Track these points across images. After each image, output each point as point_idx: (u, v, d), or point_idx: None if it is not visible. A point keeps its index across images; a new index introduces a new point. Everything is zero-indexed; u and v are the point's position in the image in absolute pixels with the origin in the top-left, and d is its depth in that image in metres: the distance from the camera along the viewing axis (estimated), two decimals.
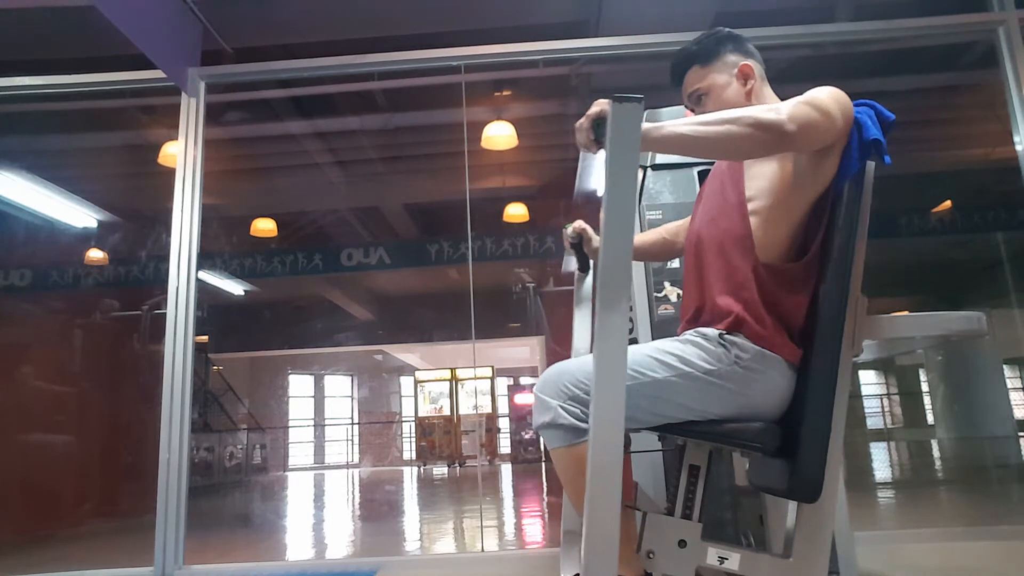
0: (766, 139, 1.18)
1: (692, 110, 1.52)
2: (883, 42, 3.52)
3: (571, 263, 1.89)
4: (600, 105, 1.15)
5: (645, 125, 1.12)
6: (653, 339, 2.08)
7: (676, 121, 1.18)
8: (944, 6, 3.25)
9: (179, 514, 2.82)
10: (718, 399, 1.27)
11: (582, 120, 1.18)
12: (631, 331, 2.24)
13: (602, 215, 1.08)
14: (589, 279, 1.82)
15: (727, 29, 1.52)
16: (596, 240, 1.74)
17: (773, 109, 1.19)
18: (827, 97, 1.24)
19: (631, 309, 2.23)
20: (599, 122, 1.15)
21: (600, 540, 1.05)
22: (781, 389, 1.27)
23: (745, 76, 1.47)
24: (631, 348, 1.37)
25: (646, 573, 1.28)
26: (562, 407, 1.26)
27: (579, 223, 1.77)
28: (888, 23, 3.23)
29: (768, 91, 1.50)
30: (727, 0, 3.52)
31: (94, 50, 3.50)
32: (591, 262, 1.81)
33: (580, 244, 1.77)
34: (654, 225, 2.21)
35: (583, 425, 1.26)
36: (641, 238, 1.78)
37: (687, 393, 1.27)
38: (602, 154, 1.14)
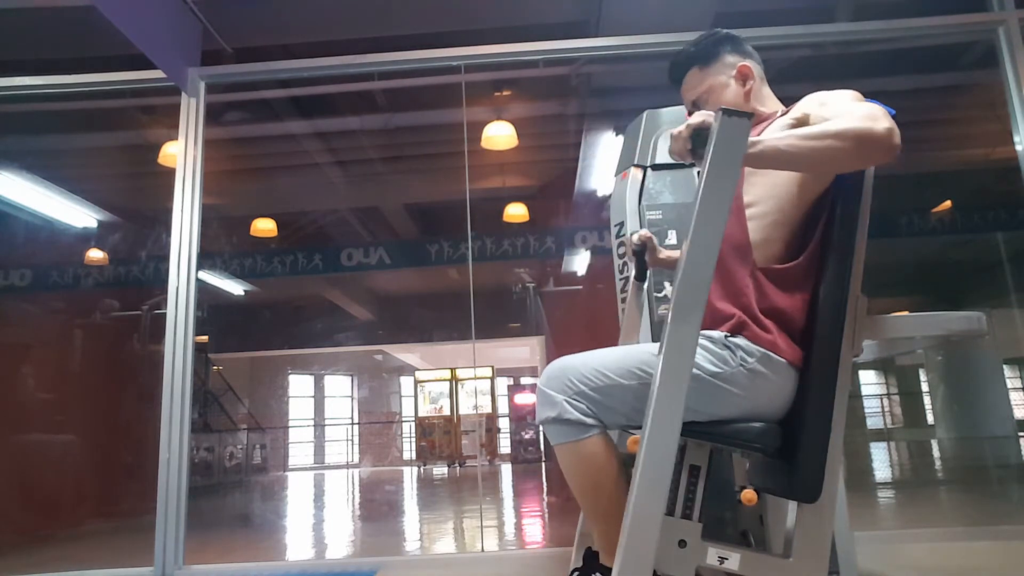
0: (874, 153, 1.14)
1: (691, 112, 1.51)
2: (883, 42, 3.52)
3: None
4: (703, 116, 1.15)
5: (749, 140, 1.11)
6: (653, 339, 2.08)
7: (774, 136, 1.16)
8: (944, 6, 3.25)
9: (179, 514, 2.82)
10: (723, 401, 1.27)
11: (681, 128, 1.17)
12: None
13: (692, 225, 1.08)
14: (644, 288, 1.83)
15: (725, 30, 1.52)
16: (661, 251, 1.76)
17: (871, 117, 1.15)
18: (855, 100, 1.25)
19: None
20: (699, 132, 1.14)
21: (637, 551, 1.06)
22: (785, 390, 1.27)
23: (744, 77, 1.47)
24: (642, 346, 1.37)
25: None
26: (568, 402, 1.26)
27: (645, 232, 1.77)
28: (888, 23, 3.23)
29: (767, 91, 1.51)
30: (727, 0, 3.52)
31: (94, 50, 3.50)
32: (648, 272, 1.81)
33: (643, 253, 1.77)
34: (654, 225, 2.22)
35: (589, 421, 1.26)
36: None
37: (692, 395, 1.26)
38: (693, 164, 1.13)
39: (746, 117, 1.06)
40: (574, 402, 1.26)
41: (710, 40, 1.50)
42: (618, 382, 1.26)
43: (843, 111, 1.20)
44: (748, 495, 1.49)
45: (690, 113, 1.52)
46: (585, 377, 1.27)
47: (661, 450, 1.06)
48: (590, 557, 1.43)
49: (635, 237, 1.76)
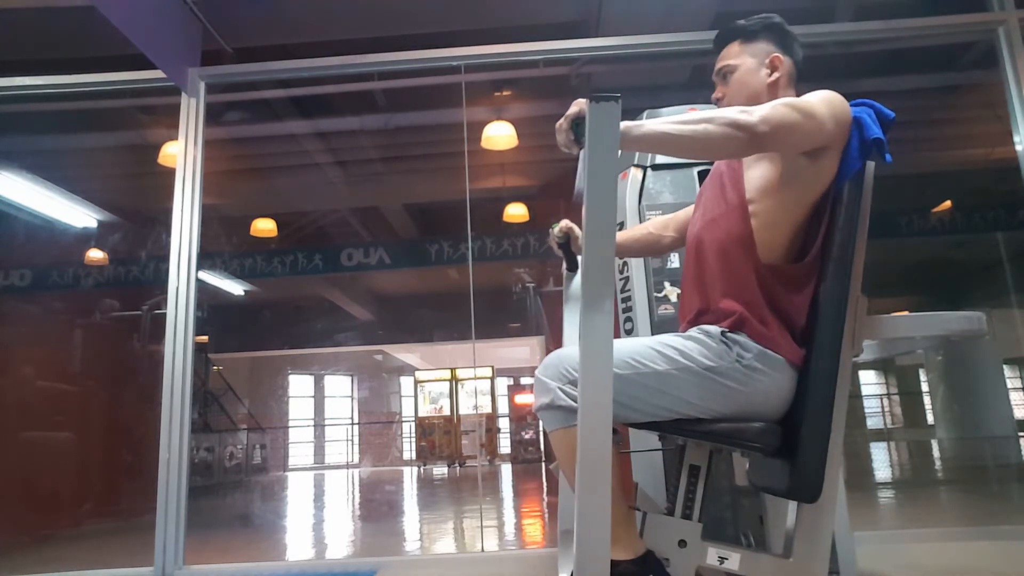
0: (739, 139, 1.19)
1: (716, 86, 1.54)
2: (883, 42, 3.52)
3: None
4: (578, 105, 1.16)
5: (624, 124, 1.13)
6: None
7: (654, 120, 1.20)
8: (944, 6, 3.25)
9: (179, 514, 2.82)
10: (718, 396, 1.27)
11: (561, 121, 1.19)
12: (632, 330, 2.24)
13: (584, 214, 1.09)
14: (578, 278, 1.82)
15: (780, 19, 1.52)
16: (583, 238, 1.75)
17: (747, 111, 1.21)
18: (817, 100, 1.27)
19: (631, 309, 2.23)
20: (578, 122, 1.16)
21: (592, 532, 1.07)
22: (782, 389, 1.27)
23: (773, 67, 1.47)
24: (634, 339, 1.38)
25: (646, 551, 1.28)
26: (561, 389, 1.27)
27: (565, 222, 1.78)
28: (888, 23, 3.23)
29: (791, 92, 1.50)
30: (727, 0, 3.51)
31: (94, 50, 3.50)
32: (579, 260, 1.81)
33: (567, 243, 1.77)
34: None
35: None
36: (626, 235, 1.79)
37: (687, 388, 1.27)
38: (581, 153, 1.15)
39: (614, 100, 1.07)
40: (567, 389, 1.27)
41: (761, 22, 1.51)
42: (612, 371, 1.27)
43: (759, 105, 1.25)
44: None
45: (715, 85, 1.54)
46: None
47: (598, 440, 1.07)
48: None
49: (556, 229, 1.77)
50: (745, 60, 1.48)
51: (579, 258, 1.80)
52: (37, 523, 4.42)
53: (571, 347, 1.34)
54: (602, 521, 1.06)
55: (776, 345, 1.26)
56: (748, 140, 1.20)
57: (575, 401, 1.27)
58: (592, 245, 1.09)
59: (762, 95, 1.43)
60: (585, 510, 1.07)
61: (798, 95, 1.38)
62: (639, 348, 1.30)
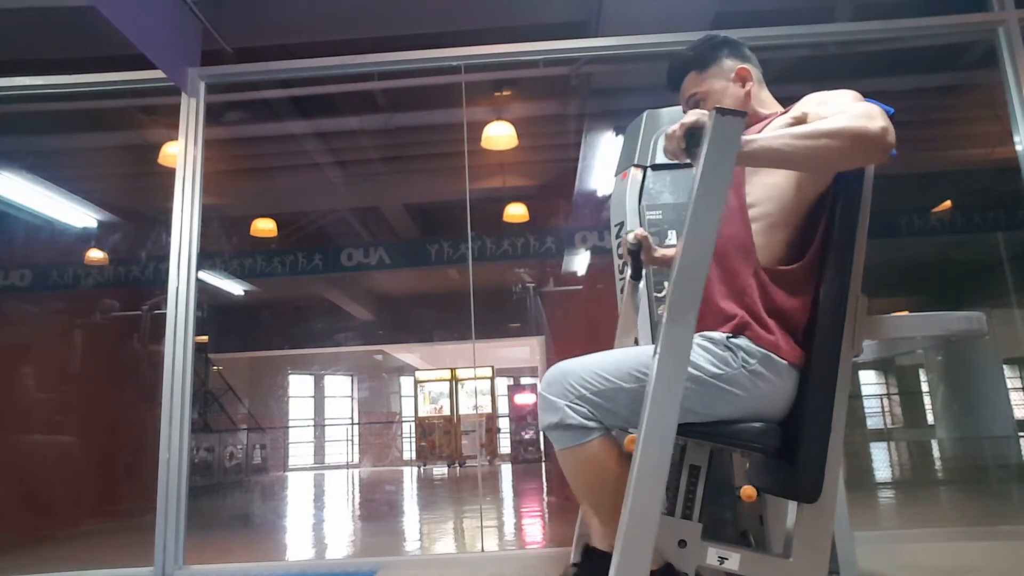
0: (868, 152, 1.15)
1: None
2: (883, 42, 3.51)
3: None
4: (696, 115, 1.15)
5: (744, 138, 1.11)
6: (653, 339, 2.08)
7: (768, 135, 1.16)
8: (944, 6, 3.25)
9: (179, 514, 2.82)
10: (724, 402, 1.27)
11: (675, 127, 1.17)
12: None
13: (687, 225, 1.08)
14: (641, 287, 1.82)
15: (723, 34, 1.53)
16: (656, 250, 1.75)
17: (869, 117, 1.15)
18: (859, 101, 1.24)
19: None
20: (693, 132, 1.14)
21: (634, 552, 1.05)
22: (786, 391, 1.27)
23: (743, 79, 1.49)
24: (641, 348, 1.37)
25: (666, 564, 1.28)
26: (569, 407, 1.26)
27: (641, 231, 1.77)
28: (888, 23, 3.23)
29: (766, 94, 1.51)
30: (727, 0, 3.52)
31: (94, 50, 3.50)
32: (644, 271, 1.81)
33: (638, 252, 1.76)
34: (654, 225, 2.22)
35: (591, 424, 1.27)
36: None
37: (694, 397, 1.26)
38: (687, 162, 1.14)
39: (740, 116, 1.07)
40: (575, 406, 1.26)
41: (707, 44, 1.51)
42: (618, 384, 1.27)
43: (839, 110, 1.21)
44: (748, 491, 1.49)
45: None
46: (585, 381, 1.28)
47: (658, 450, 1.06)
48: (588, 554, 1.43)
49: (631, 236, 1.76)
50: (710, 84, 1.49)
51: (644, 269, 1.81)
52: (37, 523, 4.42)
53: (573, 360, 1.33)
54: (648, 537, 1.05)
55: (779, 348, 1.26)
56: (881, 150, 1.14)
57: (585, 418, 1.26)
58: (689, 257, 1.07)
59: (745, 109, 1.45)
60: (633, 526, 1.05)
61: (797, 97, 1.38)
62: (644, 359, 1.29)
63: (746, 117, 1.08)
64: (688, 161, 1.18)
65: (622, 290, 2.27)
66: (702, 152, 1.08)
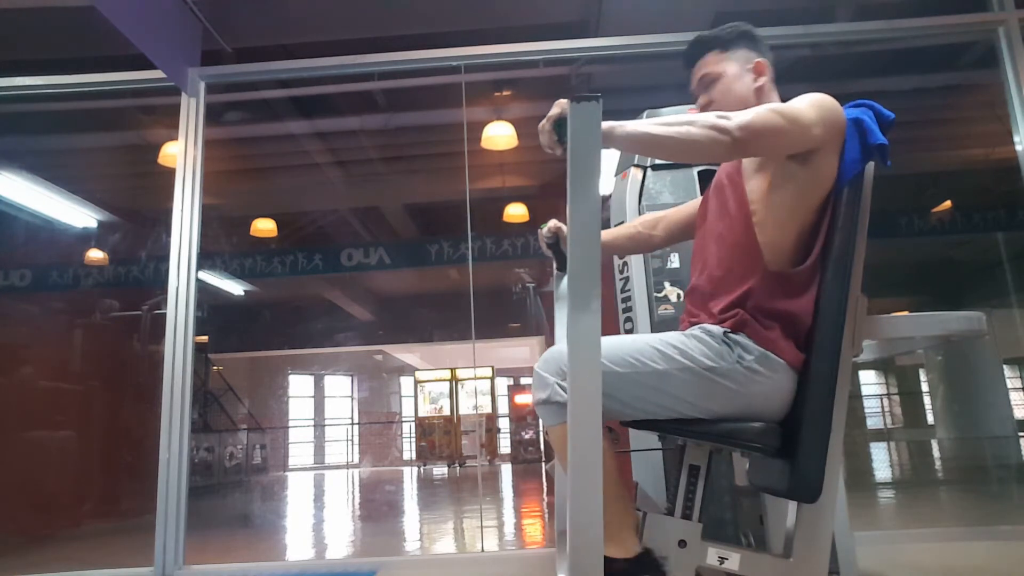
0: (720, 143, 1.19)
1: (697, 98, 1.52)
2: (883, 42, 3.51)
3: None
4: (559, 106, 1.17)
5: (606, 124, 1.13)
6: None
7: (638, 121, 1.20)
8: (944, 6, 3.25)
9: (179, 514, 2.82)
10: (718, 396, 1.27)
11: (543, 122, 1.19)
12: (632, 330, 2.24)
13: (567, 213, 1.09)
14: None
15: (748, 25, 1.52)
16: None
17: (726, 116, 1.20)
18: (805, 104, 1.26)
19: (631, 309, 2.23)
20: (560, 123, 1.16)
21: (584, 529, 1.06)
22: (783, 392, 1.27)
23: (758, 73, 1.48)
24: (635, 336, 1.37)
25: (644, 549, 1.28)
26: (559, 384, 1.27)
27: (554, 222, 1.77)
28: (888, 23, 3.23)
29: (775, 95, 1.50)
30: (727, 0, 3.52)
31: (94, 50, 3.50)
32: (634, 260, 1.81)
33: (557, 243, 1.76)
34: None
35: None
36: (615, 232, 1.78)
37: (686, 387, 1.27)
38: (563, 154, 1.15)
39: (595, 100, 1.07)
40: (564, 385, 1.27)
41: (734, 29, 1.51)
42: (612, 369, 1.27)
43: (740, 110, 1.24)
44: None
45: (695, 97, 1.53)
46: None
47: (587, 439, 1.07)
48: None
49: (545, 229, 1.76)
50: (727, 67, 1.48)
51: (632, 258, 1.81)
52: (37, 523, 4.42)
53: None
54: (594, 518, 1.06)
55: (778, 348, 1.26)
56: (729, 144, 1.19)
57: None
58: (577, 244, 1.08)
59: (750, 100, 1.43)
60: (577, 507, 1.06)
61: (792, 96, 1.38)
62: (640, 346, 1.30)
63: (600, 99, 1.08)
64: (561, 152, 1.18)
65: (623, 290, 2.28)
66: (568, 141, 1.09)
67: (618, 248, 1.81)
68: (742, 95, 1.45)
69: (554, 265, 1.86)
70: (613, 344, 1.32)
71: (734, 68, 1.47)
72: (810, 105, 1.26)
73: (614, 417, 1.34)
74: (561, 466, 1.36)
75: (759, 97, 1.45)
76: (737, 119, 1.19)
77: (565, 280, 1.78)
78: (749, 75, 1.47)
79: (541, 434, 11.56)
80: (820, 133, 1.25)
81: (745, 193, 1.38)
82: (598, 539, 1.06)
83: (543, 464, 11.10)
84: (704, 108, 1.49)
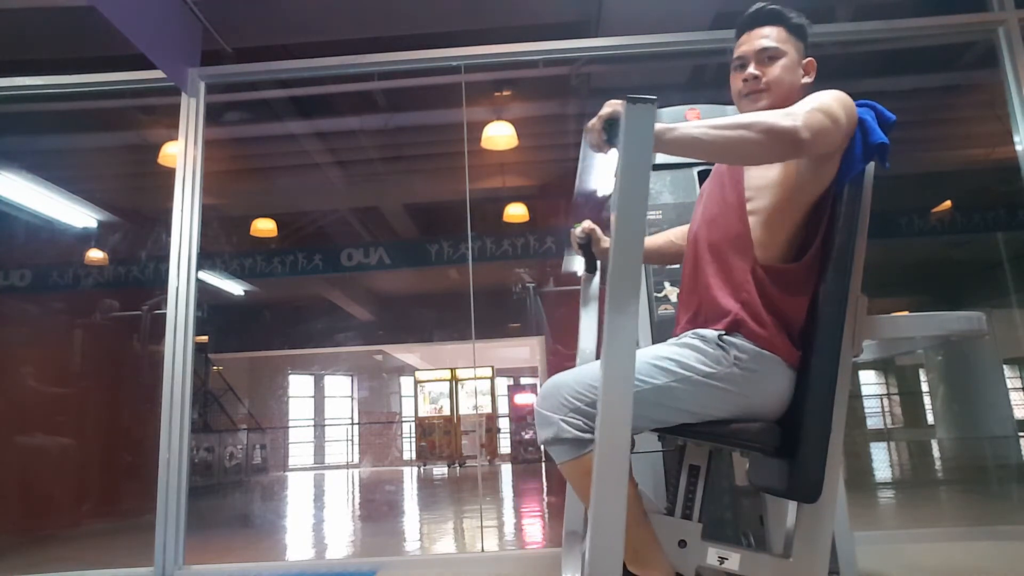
0: (781, 146, 1.16)
1: (748, 65, 1.44)
2: (883, 42, 3.52)
3: (573, 263, 1.88)
4: (612, 106, 1.14)
5: (658, 127, 1.11)
6: (653, 339, 2.08)
7: (689, 123, 1.16)
8: (944, 6, 3.25)
9: (179, 514, 2.82)
10: (718, 401, 1.27)
11: (594, 121, 1.17)
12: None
13: (613, 216, 1.09)
14: (596, 280, 1.80)
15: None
16: (604, 241, 1.72)
17: (789, 115, 1.17)
18: (835, 102, 1.24)
19: None
20: (611, 123, 1.14)
21: (605, 549, 1.04)
22: (781, 390, 1.27)
23: (809, 71, 1.46)
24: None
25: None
26: (564, 421, 1.25)
27: (588, 223, 1.75)
28: (888, 23, 3.23)
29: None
30: (727, 0, 3.52)
31: (94, 50, 3.50)
32: (598, 263, 1.80)
33: (588, 245, 1.74)
34: (654, 225, 2.21)
35: (587, 436, 1.25)
36: (649, 241, 1.76)
37: (687, 398, 1.26)
38: (610, 154, 1.14)
39: (651, 103, 1.06)
40: (570, 419, 1.25)
41: (801, 18, 1.46)
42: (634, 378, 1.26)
43: (794, 106, 1.22)
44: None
45: (741, 65, 1.46)
46: (578, 393, 1.26)
47: (615, 447, 1.05)
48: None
49: (578, 229, 1.74)
50: (790, 52, 1.43)
51: (599, 261, 1.79)
52: (37, 523, 4.42)
53: (566, 373, 1.33)
54: (616, 536, 1.04)
55: (773, 346, 1.26)
56: (791, 147, 1.16)
57: (580, 431, 1.25)
58: (621, 248, 1.08)
59: (794, 95, 1.40)
60: (600, 523, 1.04)
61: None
62: (638, 365, 1.27)
63: (656, 102, 1.07)
64: (608, 152, 1.18)
65: None
66: (620, 142, 1.08)
67: (652, 256, 1.79)
68: (791, 87, 1.42)
69: (581, 266, 1.83)
70: (635, 352, 1.31)
71: (794, 56, 1.44)
72: (840, 104, 1.24)
73: None
74: (581, 499, 1.35)
75: (801, 94, 1.40)
76: (800, 120, 1.16)
77: (594, 283, 1.78)
78: (800, 69, 1.45)
79: None
80: (847, 131, 1.25)
81: (743, 182, 1.38)
82: (619, 554, 1.05)
83: (543, 464, 11.09)
84: (748, 80, 1.42)
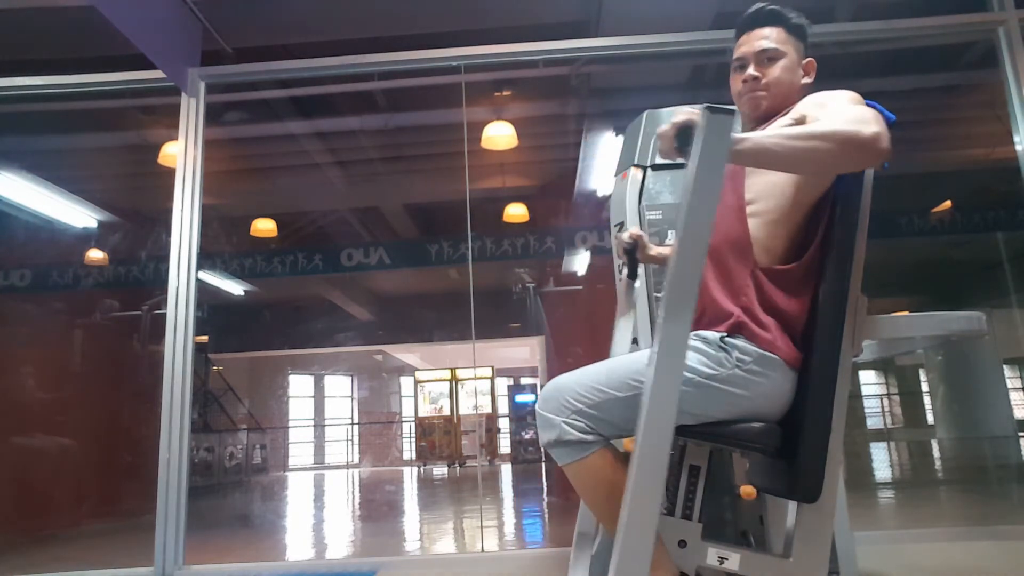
0: (862, 155, 1.13)
1: (747, 66, 1.44)
2: (883, 42, 3.52)
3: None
4: (688, 114, 1.13)
5: (733, 137, 1.10)
6: (654, 339, 2.08)
7: (761, 133, 1.15)
8: (944, 6, 3.25)
9: (179, 514, 2.83)
10: (720, 403, 1.27)
11: (667, 127, 1.15)
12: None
13: (680, 223, 1.07)
14: (636, 286, 1.80)
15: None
16: (652, 248, 1.73)
17: (863, 122, 1.13)
18: (860, 105, 1.23)
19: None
20: (685, 131, 1.13)
21: (633, 553, 1.04)
22: (782, 391, 1.27)
23: (808, 71, 1.46)
24: (633, 356, 1.36)
25: (682, 573, 1.28)
26: (566, 423, 1.26)
27: (635, 230, 1.76)
28: (888, 23, 3.23)
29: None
30: (727, 0, 3.52)
31: (94, 50, 3.50)
32: (640, 270, 1.80)
33: (634, 251, 1.74)
34: (654, 225, 2.22)
35: (589, 438, 1.26)
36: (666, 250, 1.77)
37: (689, 399, 1.26)
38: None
39: (730, 113, 1.06)
40: (572, 421, 1.26)
41: (800, 18, 1.46)
42: (613, 395, 1.26)
43: (836, 113, 1.19)
44: (747, 490, 1.48)
45: (741, 66, 1.46)
46: (580, 395, 1.27)
47: (656, 450, 1.05)
48: None
49: (626, 235, 1.75)
50: (790, 52, 1.43)
51: (641, 267, 1.79)
52: (37, 523, 4.42)
53: (566, 375, 1.33)
54: (646, 541, 1.04)
55: (775, 347, 1.26)
56: (875, 156, 1.12)
57: (583, 432, 1.25)
58: (684, 256, 1.07)
59: (794, 96, 1.41)
60: (632, 530, 1.04)
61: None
62: (638, 367, 1.28)
63: (735, 114, 1.07)
64: (681, 160, 1.16)
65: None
66: (695, 151, 1.08)
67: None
68: (793, 86, 1.42)
69: (623, 272, 1.82)
70: (610, 368, 1.31)
71: (794, 57, 1.44)
72: (861, 107, 1.23)
73: (616, 438, 1.33)
74: (585, 501, 1.35)
75: (801, 94, 1.41)
76: (872, 128, 1.12)
77: (636, 288, 1.79)
78: (800, 70, 1.45)
79: None
80: None
81: (743, 185, 1.38)
82: (647, 556, 1.05)
83: (543, 464, 11.09)
84: (748, 81, 1.42)
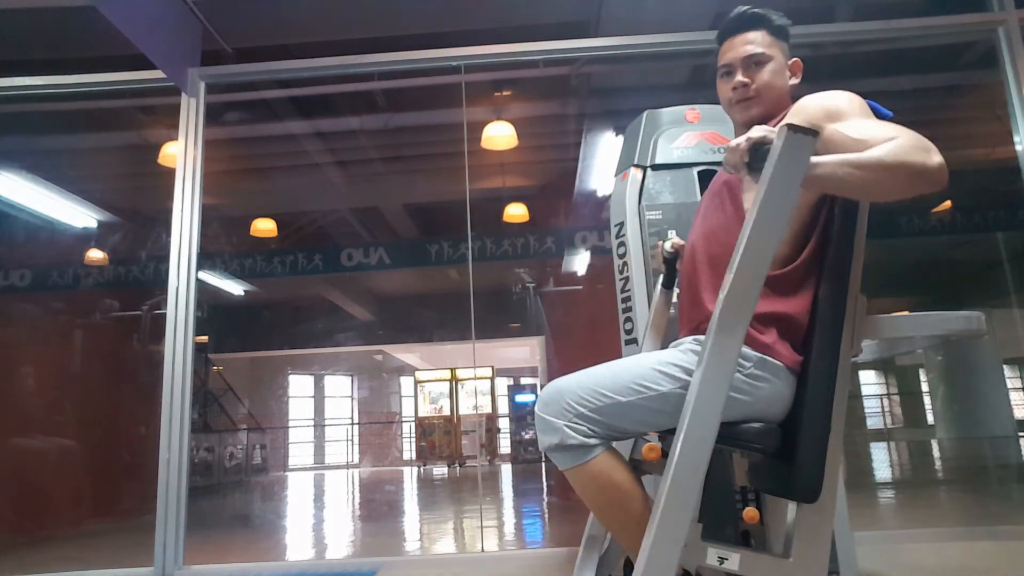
0: (925, 187, 1.12)
1: (735, 73, 1.43)
2: (883, 42, 3.52)
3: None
4: (763, 131, 1.11)
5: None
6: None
7: (832, 160, 1.11)
8: (944, 6, 3.25)
9: (179, 514, 2.83)
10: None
11: (741, 141, 1.13)
12: (631, 330, 2.24)
13: (744, 240, 1.06)
14: (672, 296, 1.79)
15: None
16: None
17: (925, 149, 1.12)
18: (914, 132, 1.20)
19: (631, 310, 2.23)
20: (759, 147, 1.10)
21: (661, 560, 1.05)
22: (783, 395, 1.26)
23: (795, 72, 1.46)
24: (637, 359, 1.36)
25: (683, 571, 1.28)
26: (568, 427, 1.25)
27: (677, 240, 1.73)
28: (888, 23, 3.23)
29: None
30: (726, 0, 3.52)
31: (94, 50, 3.50)
32: (678, 279, 1.80)
33: (674, 260, 1.72)
34: (654, 225, 2.22)
35: (592, 442, 1.25)
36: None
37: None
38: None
39: (814, 136, 1.03)
40: (574, 426, 1.24)
41: (782, 19, 1.45)
42: (616, 399, 1.25)
43: (882, 135, 1.15)
44: (750, 514, 1.48)
45: (728, 73, 1.44)
46: (582, 399, 1.25)
47: (693, 461, 1.05)
48: (629, 569, 1.42)
49: (668, 244, 1.72)
50: (776, 55, 1.42)
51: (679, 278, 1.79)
52: (37, 523, 4.42)
53: (566, 378, 1.31)
54: (673, 552, 1.05)
55: (775, 352, 1.25)
56: (936, 187, 1.12)
57: (585, 436, 1.24)
58: (745, 272, 1.06)
59: (784, 98, 1.41)
60: (664, 532, 1.04)
61: (794, 98, 1.38)
62: (641, 371, 1.28)
63: (818, 137, 1.03)
64: (746, 176, 1.14)
65: (623, 290, 2.27)
66: (768, 170, 1.05)
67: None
68: (780, 91, 1.41)
69: (659, 281, 1.80)
70: (614, 373, 1.30)
71: (780, 60, 1.43)
72: (916, 133, 1.19)
73: (618, 440, 1.33)
74: (589, 505, 1.34)
75: (788, 96, 1.41)
76: (937, 159, 1.12)
77: (670, 297, 1.77)
78: (787, 71, 1.44)
79: None
80: None
81: (741, 194, 1.38)
82: (674, 563, 1.06)
83: (543, 464, 11.09)
84: (738, 88, 1.41)
